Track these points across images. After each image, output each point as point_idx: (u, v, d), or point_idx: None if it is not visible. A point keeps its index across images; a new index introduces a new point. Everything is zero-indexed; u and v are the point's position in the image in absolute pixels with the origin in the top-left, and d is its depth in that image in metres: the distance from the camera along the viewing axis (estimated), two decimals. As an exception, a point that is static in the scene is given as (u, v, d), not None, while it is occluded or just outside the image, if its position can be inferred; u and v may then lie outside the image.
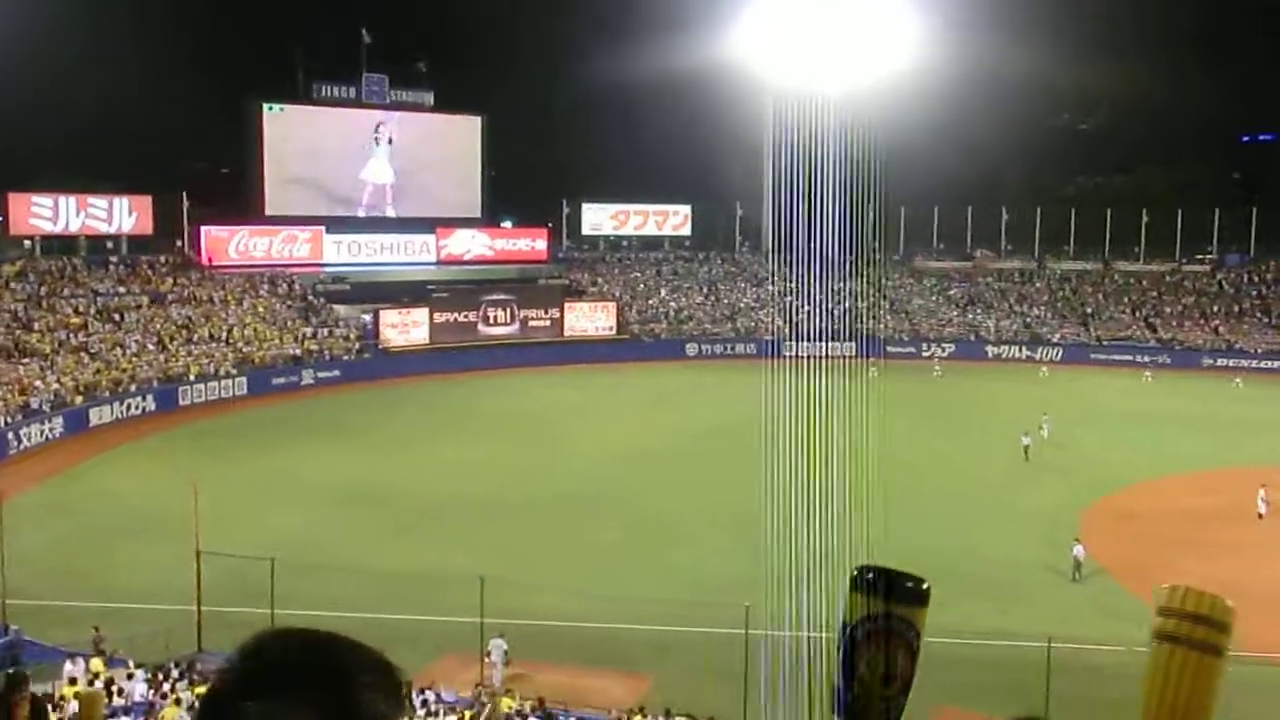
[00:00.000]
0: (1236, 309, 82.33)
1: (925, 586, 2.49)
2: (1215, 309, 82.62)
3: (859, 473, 30.60)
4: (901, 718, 2.54)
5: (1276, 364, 74.51)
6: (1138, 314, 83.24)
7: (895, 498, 36.91)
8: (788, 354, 55.04)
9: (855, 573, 2.49)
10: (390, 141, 77.52)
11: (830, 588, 22.43)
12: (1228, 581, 29.70)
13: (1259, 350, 76.49)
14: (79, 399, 50.51)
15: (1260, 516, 36.69)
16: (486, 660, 24.07)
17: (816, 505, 28.19)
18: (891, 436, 47.13)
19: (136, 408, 52.84)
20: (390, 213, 78.49)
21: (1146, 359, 74.61)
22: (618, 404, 57.05)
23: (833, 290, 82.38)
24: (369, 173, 77.44)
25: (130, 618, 25.12)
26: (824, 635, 21.98)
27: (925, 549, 31.42)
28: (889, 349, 76.62)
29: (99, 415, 50.66)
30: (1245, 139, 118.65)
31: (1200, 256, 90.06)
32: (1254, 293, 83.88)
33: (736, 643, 22.44)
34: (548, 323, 74.79)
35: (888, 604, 2.46)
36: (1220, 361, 74.63)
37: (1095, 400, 61.14)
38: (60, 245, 64.70)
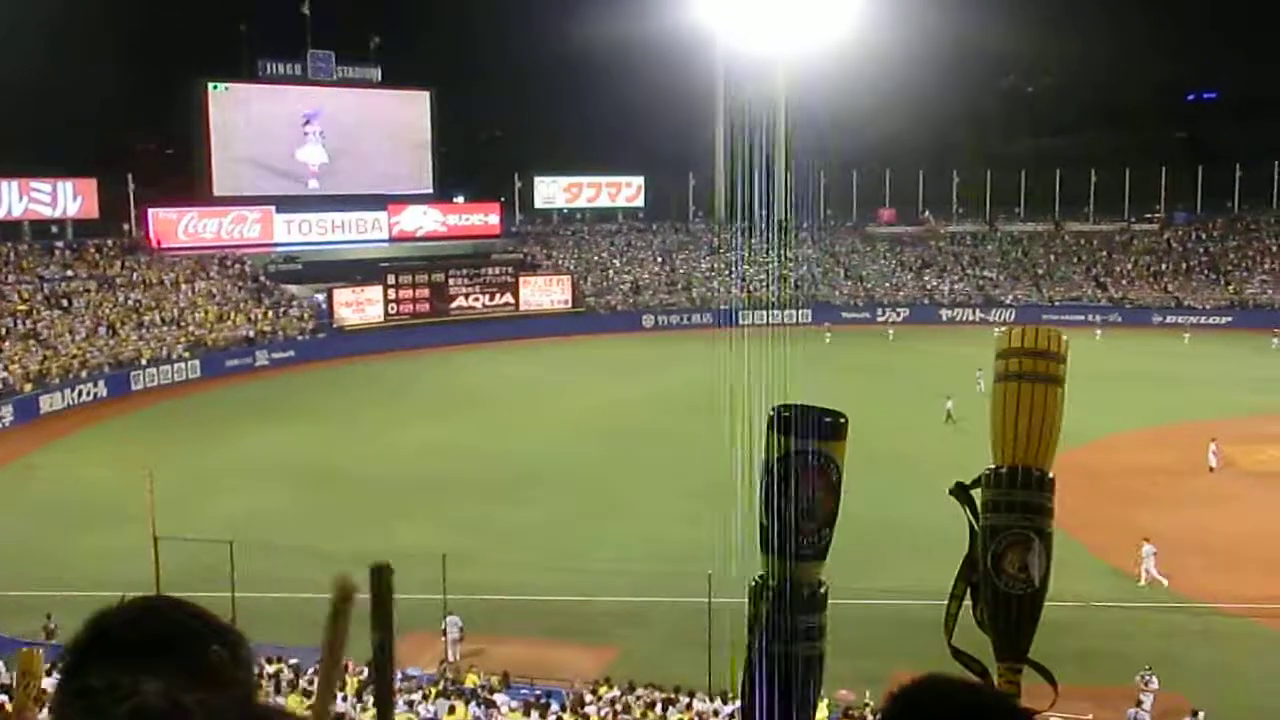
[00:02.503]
0: (1185, 266, 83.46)
1: (842, 420, 2.49)
2: (1164, 267, 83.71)
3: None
4: (828, 552, 2.54)
5: (1224, 320, 75.71)
6: (1089, 274, 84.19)
7: (848, 462, 37.17)
8: (744, 323, 55.24)
9: (772, 412, 2.49)
10: (321, 135, 76.55)
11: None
12: (1183, 535, 30.10)
13: (1206, 306, 77.67)
14: (28, 386, 49.77)
15: (1211, 470, 37.32)
16: (444, 638, 24.06)
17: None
18: (844, 401, 47.39)
19: (88, 394, 52.14)
20: (340, 190, 77.67)
21: (1098, 318, 75.60)
22: (575, 378, 56.98)
23: (786, 257, 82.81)
24: (305, 155, 76.54)
25: (87, 606, 24.72)
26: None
27: (878, 511, 31.71)
28: (844, 315, 77.17)
29: (50, 402, 49.95)
30: (1190, 98, 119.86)
31: (1149, 216, 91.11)
32: (1201, 250, 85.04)
33: (700, 611, 22.55)
34: (503, 298, 74.51)
35: (805, 440, 2.45)
36: (1170, 318, 75.76)
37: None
38: (3, 231, 63.56)
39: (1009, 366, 2.52)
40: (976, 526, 2.61)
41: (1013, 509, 2.54)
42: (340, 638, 2.40)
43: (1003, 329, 2.52)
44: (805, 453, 2.44)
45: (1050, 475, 2.51)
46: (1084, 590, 24.67)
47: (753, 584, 2.60)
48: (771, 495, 2.47)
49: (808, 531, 2.49)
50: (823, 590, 2.55)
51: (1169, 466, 37.99)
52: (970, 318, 79.11)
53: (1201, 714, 19.88)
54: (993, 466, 2.56)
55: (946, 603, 2.75)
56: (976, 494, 2.63)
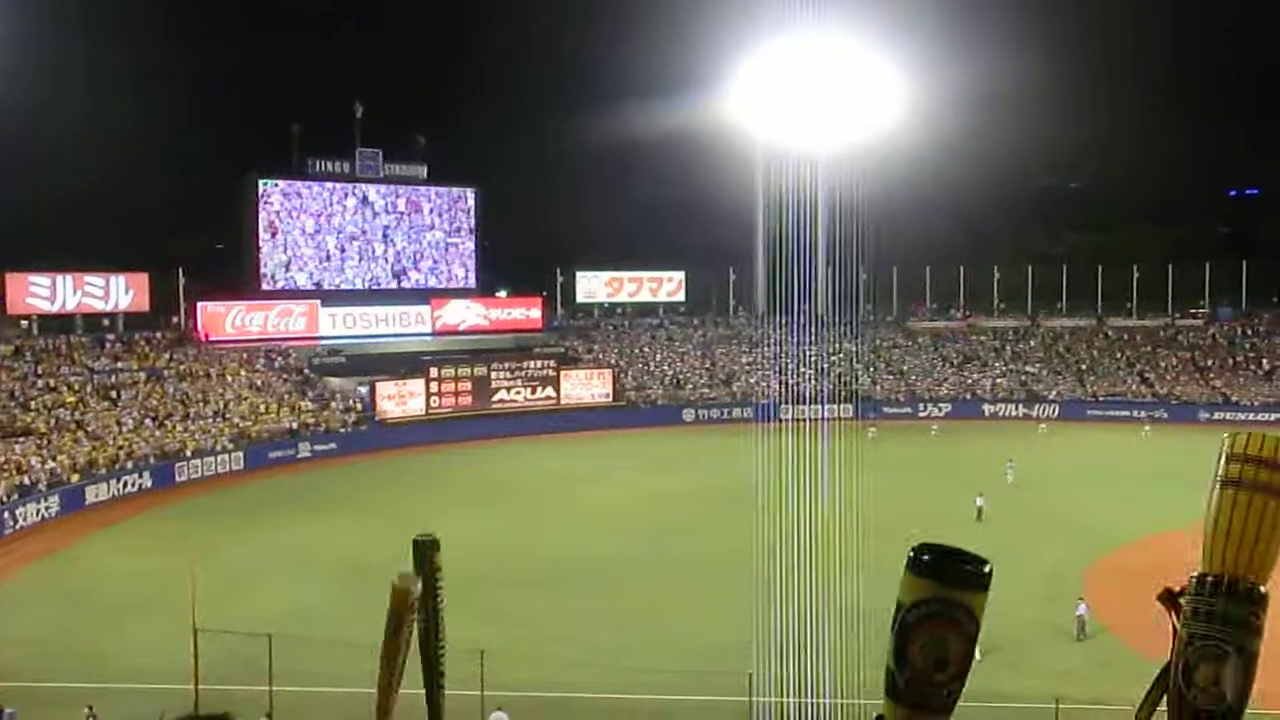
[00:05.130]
0: (1231, 362, 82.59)
1: (987, 569, 2.42)
2: (1210, 363, 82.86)
3: (856, 535, 30.45)
4: (956, 706, 2.46)
5: (1273, 416, 74.54)
6: (1133, 369, 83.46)
7: (893, 559, 36.73)
8: (785, 417, 54.96)
9: (911, 552, 2.43)
10: (367, 230, 77.95)
11: (830, 651, 22.27)
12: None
13: (1255, 403, 76.62)
14: (75, 477, 50.29)
15: None
16: (489, 734, 23.77)
17: (816, 569, 28.05)
18: (890, 497, 47.04)
19: (133, 485, 52.61)
20: (384, 285, 78.93)
21: (1143, 414, 74.71)
22: (616, 472, 56.86)
23: (828, 352, 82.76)
24: (351, 250, 77.80)
25: (127, 698, 24.84)
26: (825, 701, 21.77)
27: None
28: (886, 410, 76.76)
29: (95, 493, 50.40)
30: (1233, 193, 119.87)
31: (1193, 311, 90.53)
32: (1247, 345, 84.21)
33: (739, 711, 22.23)
34: (544, 391, 74.82)
35: (944, 588, 2.38)
36: (1217, 415, 74.75)
37: (1097, 457, 61.06)
38: (57, 324, 64.85)
39: (1236, 472, 2.45)
40: (1179, 631, 2.53)
41: (1212, 619, 2.46)
42: (401, 649, 2.36)
43: (1231, 430, 2.45)
44: (945, 601, 2.38)
45: (1265, 590, 2.43)
46: (1137, 694, 24.04)
47: None
48: (904, 641, 2.41)
49: (939, 683, 2.43)
50: None
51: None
52: (1014, 413, 78.48)
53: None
54: (1200, 572, 2.49)
55: (1136, 708, 2.67)
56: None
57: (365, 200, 77.76)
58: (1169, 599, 2.57)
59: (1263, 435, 2.47)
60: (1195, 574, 2.50)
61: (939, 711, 2.46)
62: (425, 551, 3.45)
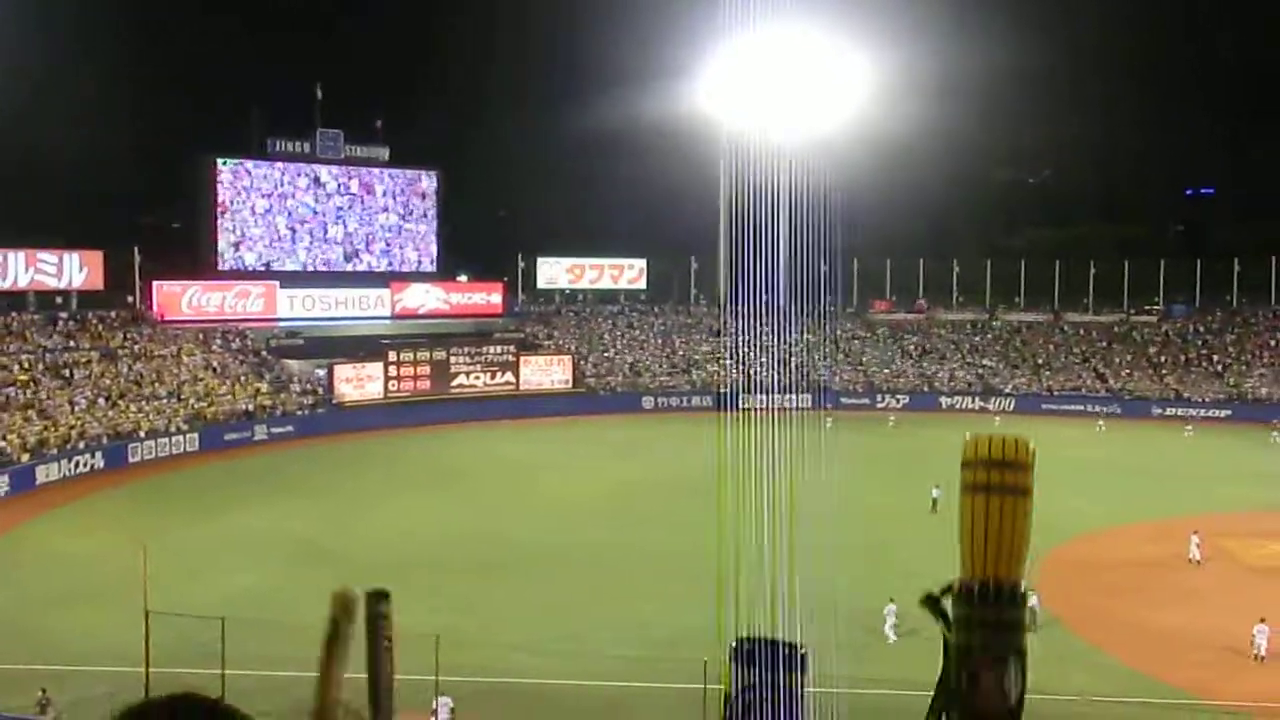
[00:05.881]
0: (1184, 359, 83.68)
1: (803, 653, 2.48)
2: (1163, 359, 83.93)
3: (814, 525, 30.56)
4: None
5: (1224, 413, 75.74)
6: (1088, 364, 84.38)
7: (848, 550, 36.99)
8: (744, 406, 55.14)
9: (733, 644, 2.48)
10: (327, 212, 77.34)
11: (786, 639, 22.36)
12: (1179, 630, 29.69)
13: (1206, 399, 77.70)
14: (26, 457, 49.61)
15: (1192, 562, 36.99)
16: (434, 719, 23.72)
17: (773, 558, 28.16)
18: (847, 488, 47.33)
19: (85, 465, 51.97)
20: (345, 267, 78.38)
21: (1097, 408, 75.62)
22: (574, 458, 56.86)
23: (788, 342, 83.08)
24: (310, 231, 77.20)
25: (78, 680, 24.59)
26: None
27: (878, 601, 31.47)
28: (844, 400, 77.17)
29: (46, 473, 49.74)
30: (1189, 193, 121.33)
31: (1147, 308, 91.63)
32: (1199, 343, 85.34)
33: (695, 698, 22.32)
34: (503, 377, 74.62)
35: (765, 673, 2.45)
36: (1170, 411, 75.76)
37: (1051, 451, 61.60)
38: (8, 301, 63.84)
39: (975, 477, 2.48)
40: (950, 640, 2.56)
41: (986, 627, 2.50)
42: (339, 661, 2.34)
43: (968, 436, 2.50)
44: (767, 686, 2.45)
45: (1022, 589, 2.48)
46: (1087, 684, 24.38)
47: None
48: None
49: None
50: None
51: (1162, 560, 37.72)
52: (970, 405, 79.16)
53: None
54: (962, 580, 2.52)
55: None
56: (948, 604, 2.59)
57: (318, 181, 77.10)
58: (932, 606, 2.59)
59: (996, 437, 2.51)
60: (957, 582, 2.53)
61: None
62: (374, 604, 3.16)
